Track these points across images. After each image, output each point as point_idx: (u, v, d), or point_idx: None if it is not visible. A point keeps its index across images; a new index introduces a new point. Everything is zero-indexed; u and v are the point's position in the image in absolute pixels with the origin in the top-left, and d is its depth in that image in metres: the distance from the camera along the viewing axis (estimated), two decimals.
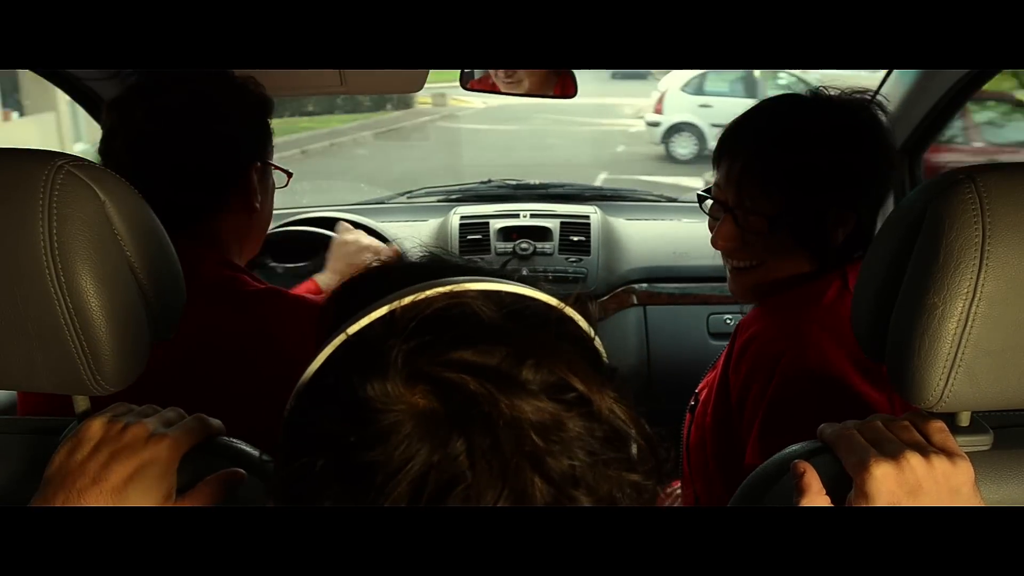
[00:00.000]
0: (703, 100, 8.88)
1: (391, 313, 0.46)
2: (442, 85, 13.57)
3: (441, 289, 0.46)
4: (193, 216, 1.02)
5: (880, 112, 1.04)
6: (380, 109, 12.14)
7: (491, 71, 1.61)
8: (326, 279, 1.46)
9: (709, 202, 1.11)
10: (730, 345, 1.05)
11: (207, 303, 0.93)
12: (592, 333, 0.50)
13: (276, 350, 0.93)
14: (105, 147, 1.03)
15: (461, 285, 0.46)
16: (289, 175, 1.18)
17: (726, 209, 1.05)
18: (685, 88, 9.04)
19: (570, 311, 0.49)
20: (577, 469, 0.42)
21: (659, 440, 0.48)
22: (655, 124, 9.12)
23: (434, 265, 0.51)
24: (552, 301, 0.49)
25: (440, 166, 8.58)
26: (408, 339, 0.43)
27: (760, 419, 0.94)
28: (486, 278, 0.48)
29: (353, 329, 0.46)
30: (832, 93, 1.04)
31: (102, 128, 1.05)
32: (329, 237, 1.69)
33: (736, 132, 1.06)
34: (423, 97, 13.14)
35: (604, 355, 0.50)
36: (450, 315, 0.45)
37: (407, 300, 0.46)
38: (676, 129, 8.97)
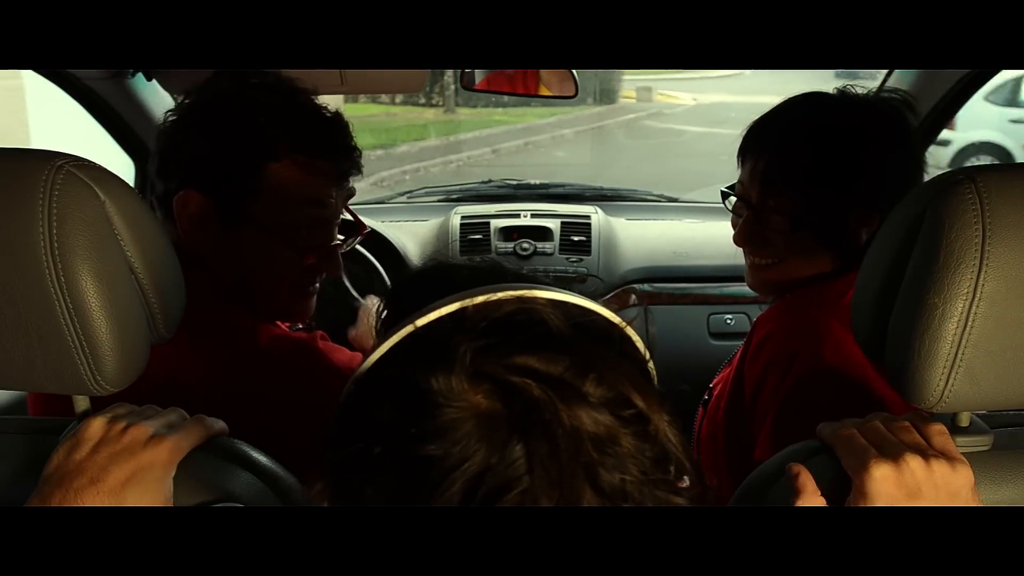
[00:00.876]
0: (1017, 114, 6.56)
1: (462, 311, 0.47)
2: (647, 78, 12.49)
3: (514, 293, 0.47)
4: None
5: (909, 112, 1.04)
6: (580, 103, 10.78)
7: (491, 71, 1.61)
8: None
9: (733, 199, 1.10)
10: (747, 341, 1.05)
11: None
12: (647, 356, 0.51)
13: (248, 384, 0.88)
14: None
15: (532, 292, 0.47)
16: (326, 253, 0.97)
17: (749, 207, 1.05)
18: (991, 97, 6.50)
19: (630, 331, 0.50)
20: (628, 484, 0.43)
21: (702, 469, 0.48)
22: (944, 143, 6.38)
23: (498, 270, 0.52)
24: (615, 319, 0.50)
25: (650, 176, 7.22)
26: (477, 338, 0.44)
27: (773, 415, 0.94)
28: (556, 288, 0.49)
29: (422, 321, 0.47)
30: (860, 92, 1.04)
31: None
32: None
33: (761, 129, 1.06)
34: (627, 91, 12.17)
35: (655, 379, 0.51)
36: (519, 320, 0.46)
37: (480, 299, 0.47)
38: (973, 150, 6.54)
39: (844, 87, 1.04)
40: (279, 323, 1.00)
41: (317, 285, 1.00)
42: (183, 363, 0.84)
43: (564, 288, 0.50)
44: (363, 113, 10.78)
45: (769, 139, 1.04)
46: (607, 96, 11.46)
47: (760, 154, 1.03)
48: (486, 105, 10.46)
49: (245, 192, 0.91)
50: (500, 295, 0.47)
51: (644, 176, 7.21)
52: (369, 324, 1.47)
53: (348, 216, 1.04)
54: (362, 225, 1.05)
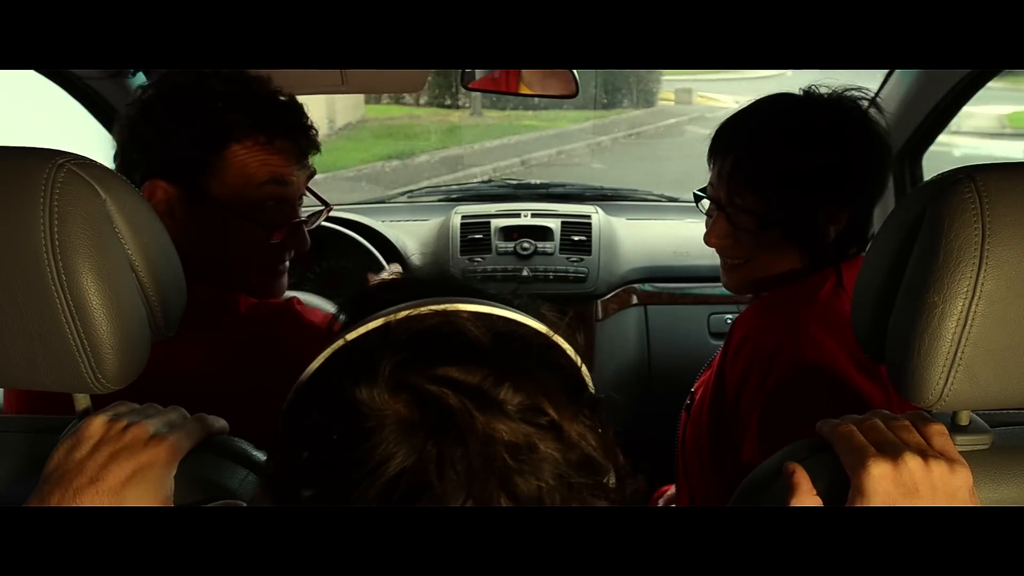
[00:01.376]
0: None
1: (387, 325, 0.49)
2: (686, 79, 11.67)
3: (435, 307, 0.49)
4: None
5: (875, 109, 1.05)
6: (616, 106, 10.39)
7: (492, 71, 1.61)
8: None
9: (705, 200, 1.11)
10: (726, 343, 1.06)
11: None
12: (579, 362, 0.53)
13: (221, 359, 0.90)
14: None
15: (455, 305, 0.50)
16: (288, 229, 1.00)
17: (719, 207, 1.06)
18: None
19: (559, 339, 0.52)
20: (544, 491, 0.45)
21: (630, 471, 0.51)
22: None
23: (441, 284, 0.54)
24: (542, 329, 0.52)
25: None
26: (399, 350, 0.47)
27: (758, 415, 0.94)
28: (480, 300, 0.51)
29: (351, 336, 0.50)
30: (824, 92, 1.05)
31: None
32: (335, 231, 1.69)
33: (729, 130, 1.07)
34: (665, 93, 11.49)
35: (590, 384, 0.53)
36: (441, 332, 0.48)
37: (403, 314, 0.49)
38: None
39: (809, 87, 1.06)
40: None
41: (287, 263, 1.05)
42: (172, 350, 0.85)
43: (500, 301, 0.52)
44: (384, 115, 10.27)
45: (737, 139, 1.06)
46: (645, 99, 11.01)
47: (728, 154, 1.05)
48: (515, 107, 9.98)
49: (210, 175, 0.94)
50: (423, 309, 0.49)
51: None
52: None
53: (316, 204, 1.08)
54: (327, 204, 1.10)
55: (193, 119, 0.93)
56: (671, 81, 11.77)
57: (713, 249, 1.13)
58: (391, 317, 0.49)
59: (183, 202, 0.94)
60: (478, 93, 9.68)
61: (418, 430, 0.44)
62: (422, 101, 10.37)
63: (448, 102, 10.40)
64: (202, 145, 0.94)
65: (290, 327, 0.95)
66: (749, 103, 1.08)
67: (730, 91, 11.96)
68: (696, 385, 1.16)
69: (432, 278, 0.56)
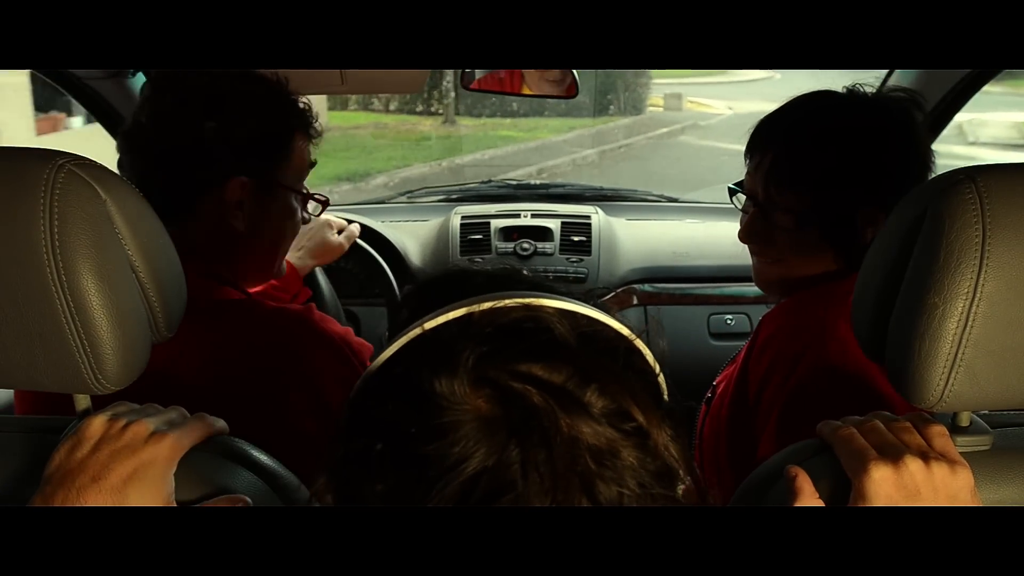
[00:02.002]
0: None
1: (469, 315, 0.47)
2: (674, 82, 10.74)
3: (521, 300, 0.47)
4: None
5: (916, 109, 1.04)
6: (603, 113, 9.42)
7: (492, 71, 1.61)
8: (294, 256, 1.43)
9: (741, 196, 1.10)
10: (752, 339, 1.05)
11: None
12: (658, 369, 0.51)
13: (248, 361, 0.92)
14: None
15: (540, 300, 0.48)
16: (324, 204, 1.14)
17: (755, 203, 1.05)
18: None
19: (640, 344, 0.50)
20: (625, 498, 0.44)
21: (707, 487, 0.50)
22: None
23: (514, 277, 0.52)
24: (624, 331, 0.50)
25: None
26: (481, 343, 0.45)
27: (777, 413, 0.94)
28: (565, 298, 0.49)
29: (430, 324, 0.48)
30: (868, 91, 1.04)
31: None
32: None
33: (769, 126, 1.06)
34: (654, 98, 10.63)
35: (666, 392, 0.51)
36: (525, 327, 0.47)
37: (486, 305, 0.47)
38: None
39: (853, 86, 1.05)
40: (273, 293, 1.12)
41: None
42: (178, 351, 0.88)
43: (578, 299, 0.50)
44: (350, 123, 9.18)
45: (776, 136, 1.04)
46: (634, 105, 10.05)
47: (767, 151, 1.04)
48: (492, 115, 9.28)
49: (281, 162, 1.03)
50: (508, 302, 0.47)
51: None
52: (306, 228, 1.45)
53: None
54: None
55: (266, 113, 1.01)
56: (660, 85, 10.91)
57: (713, 250, 1.13)
58: (474, 307, 0.47)
59: (255, 194, 1.00)
60: (451, 100, 9.00)
61: (500, 428, 0.42)
62: (392, 107, 9.66)
63: (420, 108, 9.63)
64: (279, 135, 1.02)
65: (308, 334, 0.97)
66: (790, 99, 1.07)
67: (721, 95, 11.30)
68: (719, 379, 1.15)
69: (503, 272, 0.54)
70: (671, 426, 0.46)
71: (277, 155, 1.02)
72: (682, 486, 0.47)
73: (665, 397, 0.51)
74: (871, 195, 1.00)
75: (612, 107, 9.82)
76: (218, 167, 0.98)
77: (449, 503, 0.42)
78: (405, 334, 0.48)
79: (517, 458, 0.42)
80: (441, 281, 0.54)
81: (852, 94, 1.04)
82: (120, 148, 1.02)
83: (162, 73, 1.01)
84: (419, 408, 0.44)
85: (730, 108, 10.63)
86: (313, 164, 1.10)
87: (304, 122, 1.05)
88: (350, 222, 1.68)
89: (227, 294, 0.97)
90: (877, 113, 1.02)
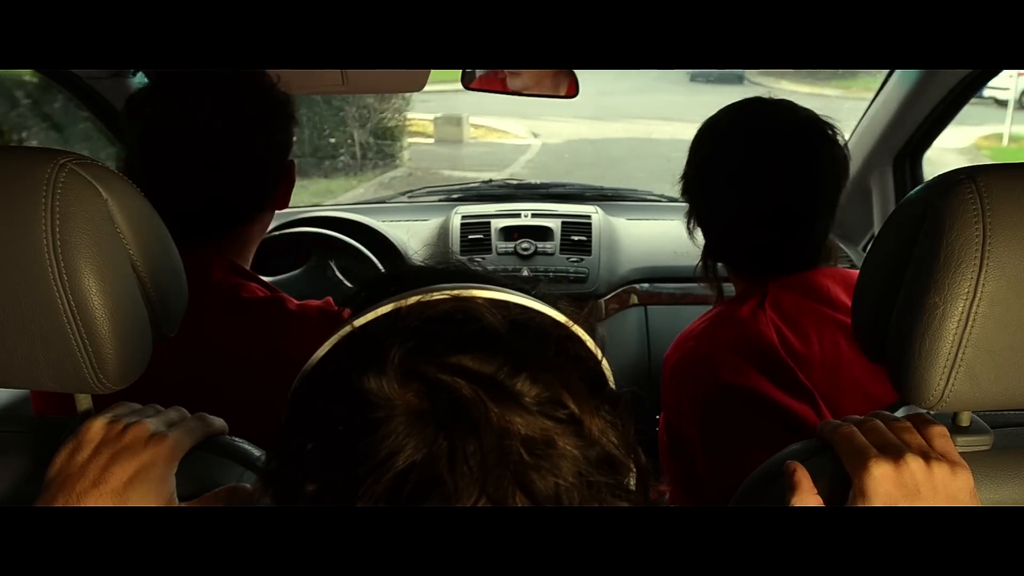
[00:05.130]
0: None
1: (396, 311, 0.46)
2: (442, 89, 6.54)
3: (448, 292, 0.47)
4: (230, 222, 1.03)
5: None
6: (335, 174, 6.67)
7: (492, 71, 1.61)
8: None
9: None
10: (661, 384, 1.10)
11: (216, 310, 0.94)
12: (600, 356, 0.50)
13: (277, 359, 0.92)
14: (135, 150, 0.99)
15: (468, 291, 0.47)
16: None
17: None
18: None
19: (579, 330, 0.49)
20: (561, 488, 0.43)
21: (652, 470, 0.48)
22: None
23: (455, 271, 0.51)
24: (560, 318, 0.49)
25: None
26: (409, 338, 0.44)
27: (699, 441, 0.99)
28: (495, 287, 0.48)
29: (359, 322, 0.47)
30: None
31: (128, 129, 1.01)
32: (327, 236, 1.69)
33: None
34: (419, 120, 7.42)
35: (610, 378, 0.50)
36: (454, 318, 0.46)
37: (412, 300, 0.47)
38: None
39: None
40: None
41: None
42: (206, 350, 0.93)
43: (518, 288, 0.49)
44: None
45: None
46: (382, 154, 6.82)
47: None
48: None
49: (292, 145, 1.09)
50: (435, 294, 0.47)
51: None
52: None
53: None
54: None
55: (283, 106, 1.05)
56: (426, 102, 7.46)
57: None
58: (402, 302, 0.47)
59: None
60: None
61: (429, 422, 0.42)
62: None
63: None
64: (289, 126, 1.07)
65: (333, 327, 0.97)
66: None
67: (515, 110, 7.54)
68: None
69: (445, 266, 0.53)
70: (609, 412, 0.45)
71: (290, 144, 1.08)
72: (632, 474, 0.46)
73: (611, 384, 0.50)
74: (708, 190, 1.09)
75: (343, 160, 6.76)
76: (286, 152, 1.06)
77: (379, 500, 0.41)
78: (336, 333, 0.48)
79: (445, 451, 0.41)
80: (383, 278, 0.53)
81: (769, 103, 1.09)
82: (160, 163, 0.98)
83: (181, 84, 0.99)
84: (349, 405, 0.43)
85: (535, 135, 7.57)
86: None
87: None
88: (350, 223, 1.68)
89: (254, 291, 1.00)
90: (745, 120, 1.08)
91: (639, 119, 8.45)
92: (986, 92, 7.52)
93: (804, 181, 1.03)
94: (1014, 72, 6.42)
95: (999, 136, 8.53)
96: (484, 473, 0.41)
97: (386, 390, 0.42)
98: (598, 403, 0.45)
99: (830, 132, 1.05)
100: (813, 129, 1.05)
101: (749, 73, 10.40)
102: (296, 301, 1.01)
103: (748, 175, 1.03)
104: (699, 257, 1.17)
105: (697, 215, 1.12)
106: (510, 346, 0.44)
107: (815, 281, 1.05)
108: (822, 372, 0.99)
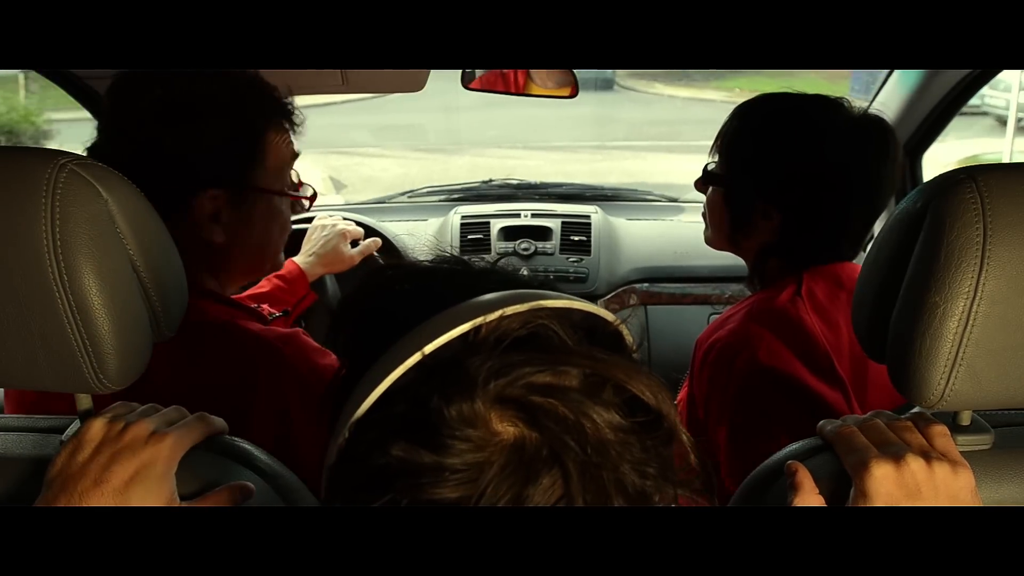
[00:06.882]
0: None
1: (475, 330, 0.43)
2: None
3: (523, 305, 0.43)
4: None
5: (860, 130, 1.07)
6: None
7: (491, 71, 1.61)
8: (304, 261, 1.40)
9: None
10: (691, 364, 1.10)
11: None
12: (635, 348, 0.50)
13: (211, 392, 0.87)
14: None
15: (539, 302, 0.44)
16: (312, 199, 1.08)
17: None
18: None
19: (624, 329, 0.48)
20: (648, 487, 0.42)
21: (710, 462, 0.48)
22: None
23: (493, 275, 0.49)
24: (610, 317, 0.47)
25: None
26: (490, 357, 0.41)
27: (728, 418, 0.98)
28: (560, 295, 0.45)
29: (430, 348, 0.42)
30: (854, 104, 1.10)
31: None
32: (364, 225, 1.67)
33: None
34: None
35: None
36: (528, 334, 0.43)
37: (495, 314, 0.43)
38: None
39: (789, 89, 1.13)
40: (262, 310, 1.08)
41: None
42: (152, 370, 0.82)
43: (562, 292, 0.47)
44: None
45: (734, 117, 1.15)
46: None
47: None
48: None
49: (256, 166, 0.97)
50: (515, 308, 0.43)
51: None
52: (322, 235, 1.45)
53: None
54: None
55: (231, 116, 0.94)
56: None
57: (713, 250, 1.16)
58: (481, 319, 0.42)
59: (230, 204, 0.95)
60: None
61: (536, 453, 0.39)
62: None
63: None
64: (247, 138, 0.96)
65: (295, 354, 0.93)
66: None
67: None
68: (677, 399, 1.18)
69: (473, 268, 0.50)
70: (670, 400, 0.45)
71: (248, 160, 0.96)
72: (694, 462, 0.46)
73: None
74: (770, 191, 1.07)
75: None
76: (182, 182, 0.92)
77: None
78: (394, 359, 0.43)
79: (558, 476, 0.39)
80: (394, 286, 0.50)
81: (806, 98, 1.09)
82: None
83: (118, 82, 0.95)
84: (433, 443, 0.40)
85: (337, 187, 6.11)
86: (296, 155, 1.04)
87: (276, 116, 0.99)
88: (364, 228, 1.66)
89: (208, 313, 0.92)
90: (801, 121, 1.07)
91: (492, 147, 6.88)
92: (986, 107, 7.55)
93: (874, 180, 1.07)
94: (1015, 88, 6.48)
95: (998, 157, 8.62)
96: (597, 490, 0.40)
97: (480, 416, 0.40)
98: (670, 396, 0.44)
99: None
100: (884, 125, 1.09)
101: (619, 76, 10.16)
102: (256, 328, 0.94)
103: (847, 178, 1.04)
104: (700, 257, 1.18)
105: (791, 221, 1.07)
106: (588, 356, 0.42)
107: (846, 273, 1.07)
108: (851, 363, 1.00)
